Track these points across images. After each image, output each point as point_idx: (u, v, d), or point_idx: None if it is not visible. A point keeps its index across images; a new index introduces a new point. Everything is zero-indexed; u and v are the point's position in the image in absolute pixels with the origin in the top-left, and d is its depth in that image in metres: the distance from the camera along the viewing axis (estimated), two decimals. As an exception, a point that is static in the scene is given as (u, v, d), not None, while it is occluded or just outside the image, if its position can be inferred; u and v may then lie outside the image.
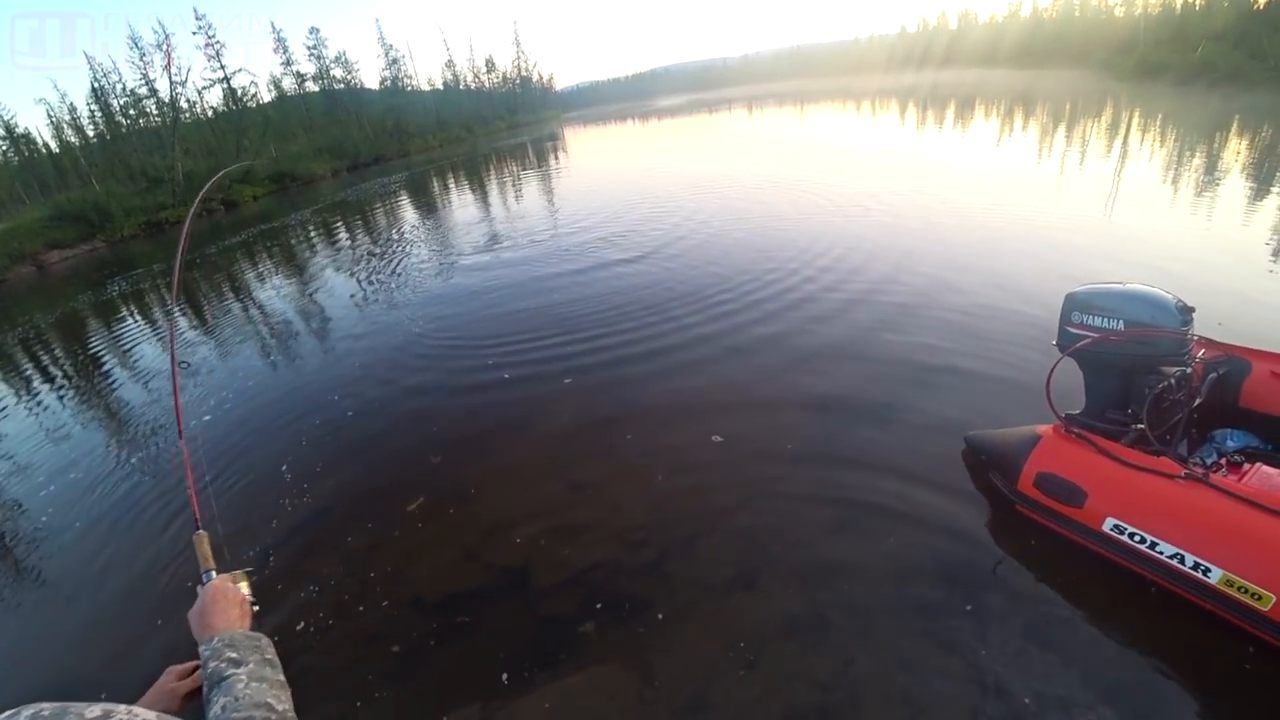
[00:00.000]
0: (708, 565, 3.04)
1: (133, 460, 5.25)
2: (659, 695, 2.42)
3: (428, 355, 6.32)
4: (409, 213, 18.03)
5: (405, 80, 63.34)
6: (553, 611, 2.92)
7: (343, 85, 55.58)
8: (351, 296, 9.36)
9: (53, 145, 39.01)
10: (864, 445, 3.73)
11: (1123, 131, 14.66)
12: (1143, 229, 7.07)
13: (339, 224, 18.22)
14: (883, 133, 19.59)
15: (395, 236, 14.01)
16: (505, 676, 2.62)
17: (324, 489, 4.27)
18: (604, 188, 15.70)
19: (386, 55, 61.08)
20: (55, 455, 5.67)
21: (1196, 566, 2.25)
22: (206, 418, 5.72)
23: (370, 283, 10.04)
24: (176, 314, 9.98)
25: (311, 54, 53.83)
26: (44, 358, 9.72)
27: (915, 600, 2.64)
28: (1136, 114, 18.03)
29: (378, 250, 12.68)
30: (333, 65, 54.40)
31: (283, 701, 0.95)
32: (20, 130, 36.68)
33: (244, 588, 1.22)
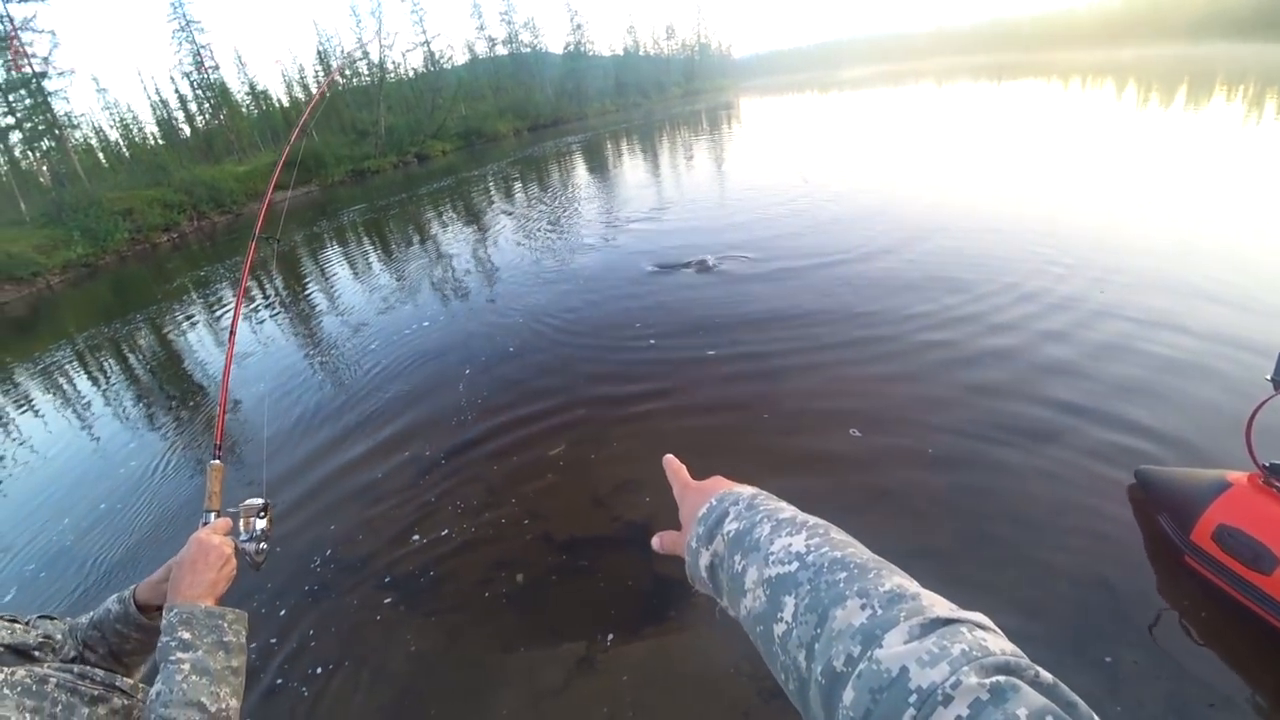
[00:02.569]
0: (824, 558, 3.03)
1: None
2: (756, 675, 2.49)
3: (581, 311, 6.77)
4: (581, 173, 18.94)
5: (587, 45, 65.56)
6: (667, 572, 3.08)
7: (529, 49, 58.78)
8: (519, 247, 10.31)
9: (284, 100, 45.94)
10: (1015, 462, 3.47)
11: None
12: None
13: (517, 180, 19.57)
14: (1091, 117, 17.11)
15: (566, 195, 14.89)
16: (612, 624, 2.84)
17: (484, 420, 4.84)
18: (774, 164, 15.15)
19: (571, 20, 63.57)
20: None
21: None
22: (412, 328, 7.24)
23: (537, 235, 10.91)
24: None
25: (503, 18, 57.68)
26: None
27: (1044, 637, 2.47)
28: None
29: (548, 208, 13.57)
30: (521, 30, 57.72)
31: (221, 699, 0.92)
32: (260, 88, 43.82)
33: (259, 523, 1.22)
